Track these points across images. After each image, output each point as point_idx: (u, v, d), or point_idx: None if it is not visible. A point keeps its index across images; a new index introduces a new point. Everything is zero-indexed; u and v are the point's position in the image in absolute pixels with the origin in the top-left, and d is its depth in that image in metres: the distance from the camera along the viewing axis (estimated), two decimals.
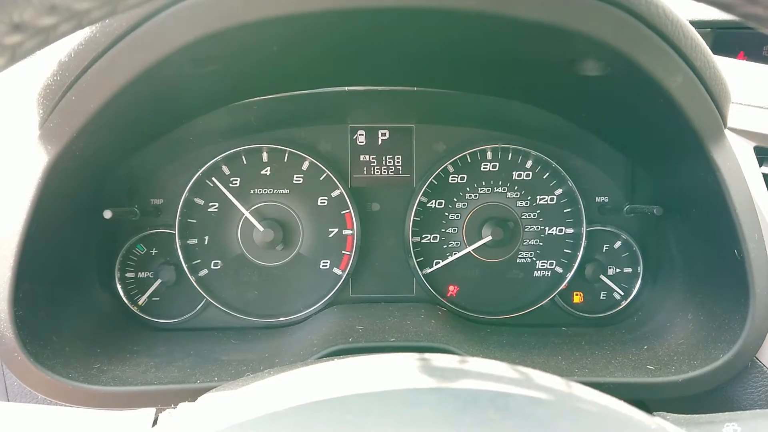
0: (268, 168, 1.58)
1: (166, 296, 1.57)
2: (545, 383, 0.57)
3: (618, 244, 1.63)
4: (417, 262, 1.60)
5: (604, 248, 1.63)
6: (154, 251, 1.57)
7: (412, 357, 0.63)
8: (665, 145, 1.32)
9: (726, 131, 1.17)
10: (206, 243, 1.58)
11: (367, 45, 1.20)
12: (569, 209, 1.62)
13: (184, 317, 1.57)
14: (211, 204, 1.57)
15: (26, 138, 1.14)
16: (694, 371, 1.16)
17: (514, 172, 1.62)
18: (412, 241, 1.60)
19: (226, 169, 1.57)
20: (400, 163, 1.63)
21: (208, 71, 1.14)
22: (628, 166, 1.59)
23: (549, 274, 1.63)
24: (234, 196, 1.55)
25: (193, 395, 1.01)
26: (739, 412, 1.07)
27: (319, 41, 1.13)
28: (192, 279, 1.55)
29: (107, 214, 1.37)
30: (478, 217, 1.62)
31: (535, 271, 1.64)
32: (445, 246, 1.63)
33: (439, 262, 1.63)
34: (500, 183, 1.62)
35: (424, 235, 1.63)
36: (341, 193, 1.59)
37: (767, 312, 1.13)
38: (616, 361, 1.27)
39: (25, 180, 1.11)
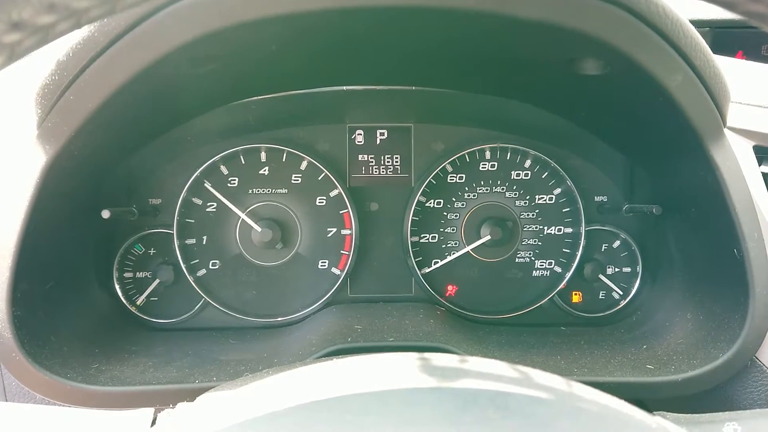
0: (267, 168, 1.58)
1: (165, 296, 1.57)
2: (545, 382, 0.57)
3: (617, 243, 1.63)
4: (416, 261, 1.60)
5: (603, 248, 1.63)
6: (152, 251, 1.57)
7: (412, 356, 0.63)
8: (664, 145, 1.32)
9: (725, 130, 1.17)
10: (204, 243, 1.57)
11: (365, 44, 1.20)
12: (568, 209, 1.62)
13: (183, 317, 1.57)
14: (209, 204, 1.57)
15: (24, 137, 1.13)
16: (693, 371, 1.16)
17: (512, 172, 1.62)
18: (411, 241, 1.59)
19: (224, 169, 1.56)
20: (398, 163, 1.63)
21: (207, 70, 1.14)
22: (627, 166, 1.59)
23: (548, 273, 1.63)
24: (232, 196, 1.55)
25: (191, 395, 1.01)
26: (739, 412, 1.07)
27: (318, 40, 1.12)
28: (190, 279, 1.55)
29: (105, 213, 1.37)
30: (476, 217, 1.62)
31: (534, 271, 1.63)
32: (443, 246, 1.63)
33: (437, 262, 1.62)
34: (499, 182, 1.62)
35: (422, 235, 1.62)
36: (340, 193, 1.58)
37: (767, 311, 1.13)
38: (615, 361, 1.27)
39: (24, 180, 1.10)
